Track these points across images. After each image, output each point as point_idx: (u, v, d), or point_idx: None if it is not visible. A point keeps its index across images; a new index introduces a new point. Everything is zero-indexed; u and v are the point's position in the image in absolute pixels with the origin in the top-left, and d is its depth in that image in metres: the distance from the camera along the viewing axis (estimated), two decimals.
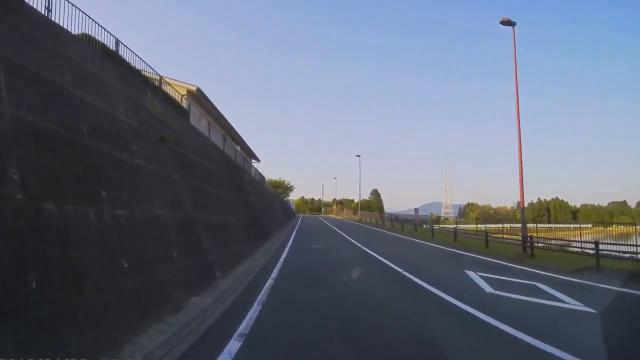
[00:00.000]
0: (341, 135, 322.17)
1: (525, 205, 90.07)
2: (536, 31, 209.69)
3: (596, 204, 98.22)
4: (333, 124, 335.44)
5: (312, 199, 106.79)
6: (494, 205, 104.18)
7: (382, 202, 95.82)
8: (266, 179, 56.32)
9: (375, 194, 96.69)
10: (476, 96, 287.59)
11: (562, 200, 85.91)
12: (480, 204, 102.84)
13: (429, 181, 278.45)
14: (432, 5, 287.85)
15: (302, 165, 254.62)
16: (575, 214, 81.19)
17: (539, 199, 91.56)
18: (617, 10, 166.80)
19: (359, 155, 53.61)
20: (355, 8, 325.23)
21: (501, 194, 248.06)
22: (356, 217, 53.89)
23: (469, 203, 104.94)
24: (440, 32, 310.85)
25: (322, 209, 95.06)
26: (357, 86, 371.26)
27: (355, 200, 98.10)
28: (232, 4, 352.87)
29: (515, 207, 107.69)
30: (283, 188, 71.47)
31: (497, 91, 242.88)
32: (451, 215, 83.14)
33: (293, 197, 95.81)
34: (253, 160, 36.66)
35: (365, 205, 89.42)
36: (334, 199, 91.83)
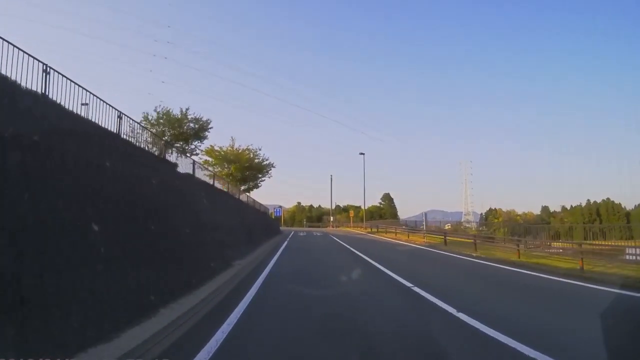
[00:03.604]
0: (341, 135, 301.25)
1: (569, 207, 74.31)
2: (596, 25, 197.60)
3: (622, 206, 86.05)
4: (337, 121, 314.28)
5: (311, 206, 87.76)
6: (518, 211, 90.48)
7: (395, 208, 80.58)
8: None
9: (388, 198, 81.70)
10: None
11: (613, 201, 72.82)
12: (504, 209, 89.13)
13: (427, 186, 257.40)
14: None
15: (299, 165, 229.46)
16: (627, 218, 68.45)
17: (588, 200, 78.45)
18: None
19: None
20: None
21: (515, 200, 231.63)
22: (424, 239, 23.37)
23: (491, 209, 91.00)
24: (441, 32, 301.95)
25: (332, 218, 59.28)
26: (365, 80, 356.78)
27: (363, 208, 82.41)
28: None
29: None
30: (241, 160, 30.22)
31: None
32: (472, 223, 69.69)
33: (286, 203, 79.99)
34: None
35: (377, 213, 74.55)
36: (337, 205, 77.08)
